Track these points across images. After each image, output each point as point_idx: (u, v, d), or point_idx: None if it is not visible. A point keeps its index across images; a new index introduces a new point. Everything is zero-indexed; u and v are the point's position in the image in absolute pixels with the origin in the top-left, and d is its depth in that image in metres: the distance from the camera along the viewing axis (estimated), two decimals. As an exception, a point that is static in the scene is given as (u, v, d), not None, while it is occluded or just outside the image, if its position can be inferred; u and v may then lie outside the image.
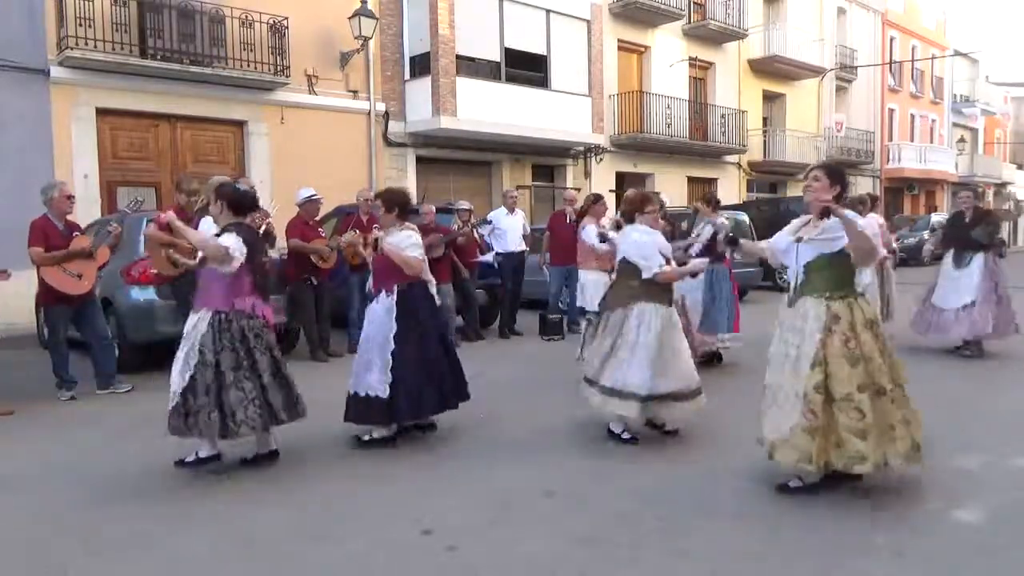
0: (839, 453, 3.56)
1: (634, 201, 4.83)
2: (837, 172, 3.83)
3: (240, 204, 4.22)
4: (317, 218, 8.26)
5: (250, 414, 4.01)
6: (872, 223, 7.14)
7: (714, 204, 7.37)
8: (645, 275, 4.56)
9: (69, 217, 6.34)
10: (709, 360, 7.14)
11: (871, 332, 3.62)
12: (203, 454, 4.20)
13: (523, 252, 9.69)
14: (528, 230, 9.98)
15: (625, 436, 4.73)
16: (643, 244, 4.61)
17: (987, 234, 7.54)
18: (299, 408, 4.33)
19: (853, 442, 3.51)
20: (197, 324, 4.09)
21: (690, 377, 4.65)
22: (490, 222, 9.76)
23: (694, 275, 5.17)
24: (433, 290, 4.82)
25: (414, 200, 5.05)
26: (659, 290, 4.63)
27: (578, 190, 17.09)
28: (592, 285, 7.62)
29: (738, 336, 7.15)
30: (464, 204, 9.32)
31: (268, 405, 4.12)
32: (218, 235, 4.10)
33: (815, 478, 3.70)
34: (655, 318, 4.55)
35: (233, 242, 4.01)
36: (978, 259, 7.53)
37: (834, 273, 3.67)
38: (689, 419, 4.82)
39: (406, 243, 4.61)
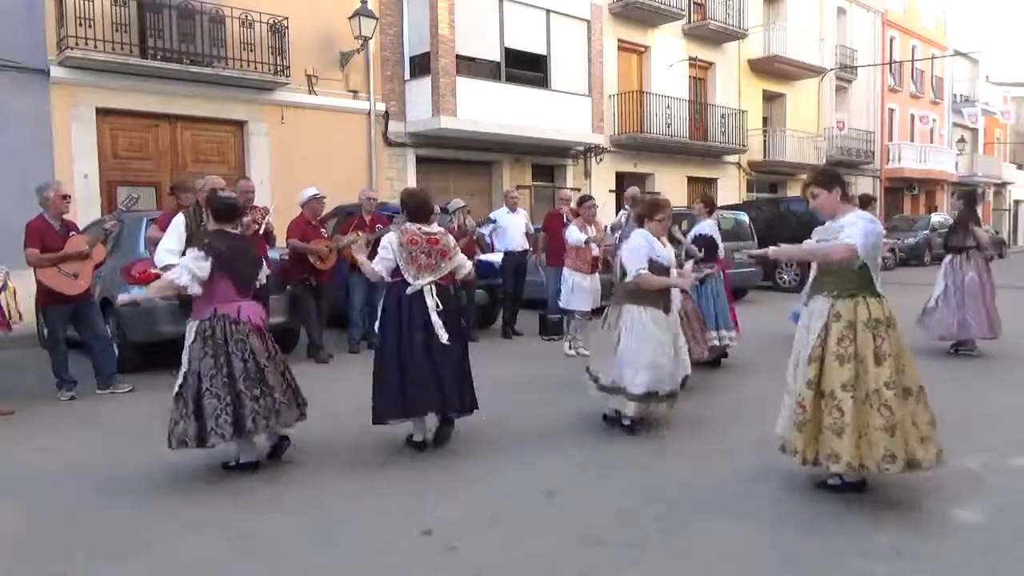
0: (820, 449, 3.60)
1: (646, 207, 4.98)
2: (828, 177, 3.86)
3: (219, 213, 4.27)
4: (320, 217, 8.25)
5: (220, 423, 3.97)
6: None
7: (710, 207, 7.39)
8: (628, 277, 4.79)
9: (66, 217, 6.33)
10: (714, 361, 7.17)
11: (872, 332, 3.55)
12: (242, 459, 4.25)
13: (525, 251, 9.62)
14: (532, 229, 9.90)
15: (625, 422, 4.88)
16: (634, 248, 4.77)
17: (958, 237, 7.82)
18: (278, 418, 4.17)
19: (830, 439, 3.54)
20: (187, 334, 4.17)
21: (669, 379, 4.81)
22: (494, 220, 9.71)
23: (683, 289, 5.28)
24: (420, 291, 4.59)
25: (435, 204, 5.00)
26: (648, 293, 4.76)
27: (577, 190, 17.08)
28: (574, 285, 7.82)
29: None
30: (459, 202, 9.28)
31: (240, 413, 4.02)
32: (183, 252, 4.20)
33: (853, 477, 3.69)
34: (640, 319, 4.73)
35: (188, 265, 4.03)
36: (944, 262, 7.89)
37: (840, 273, 3.65)
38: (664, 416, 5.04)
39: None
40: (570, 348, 7.99)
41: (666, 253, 4.87)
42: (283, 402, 4.20)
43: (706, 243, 6.81)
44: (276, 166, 12.75)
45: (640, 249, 4.72)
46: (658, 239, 4.85)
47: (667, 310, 4.85)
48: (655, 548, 3.20)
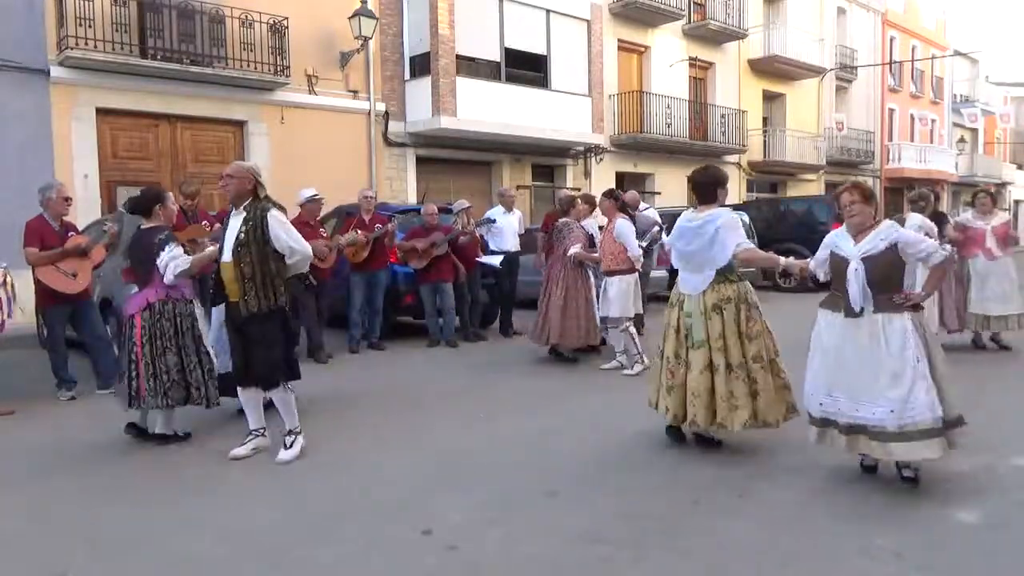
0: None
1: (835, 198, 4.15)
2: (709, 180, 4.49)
3: (132, 210, 4.96)
4: (318, 218, 8.26)
5: (120, 392, 4.74)
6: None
7: (591, 205, 7.43)
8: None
9: (65, 218, 6.33)
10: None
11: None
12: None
13: (518, 252, 9.61)
14: (523, 229, 9.89)
15: (907, 473, 3.86)
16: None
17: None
18: (135, 400, 4.63)
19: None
20: None
21: (896, 404, 3.58)
22: (493, 221, 9.69)
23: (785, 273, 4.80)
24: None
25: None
26: (829, 295, 4.01)
27: (577, 190, 17.09)
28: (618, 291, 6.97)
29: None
30: (464, 203, 9.30)
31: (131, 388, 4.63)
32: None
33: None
34: (825, 326, 3.94)
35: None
36: None
37: None
38: (915, 461, 3.73)
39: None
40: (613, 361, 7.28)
41: (853, 248, 3.81)
42: (150, 387, 4.57)
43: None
44: (276, 166, 12.73)
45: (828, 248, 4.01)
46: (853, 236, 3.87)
47: (847, 312, 3.77)
48: (655, 548, 3.20)
